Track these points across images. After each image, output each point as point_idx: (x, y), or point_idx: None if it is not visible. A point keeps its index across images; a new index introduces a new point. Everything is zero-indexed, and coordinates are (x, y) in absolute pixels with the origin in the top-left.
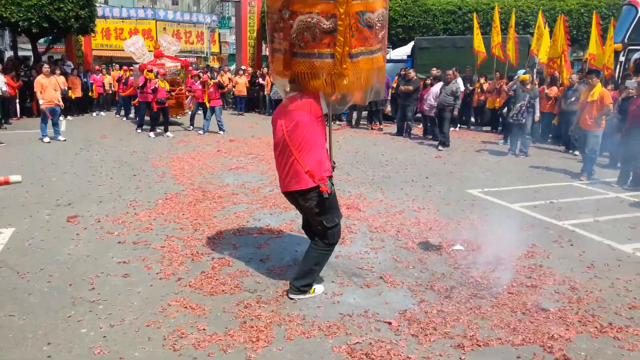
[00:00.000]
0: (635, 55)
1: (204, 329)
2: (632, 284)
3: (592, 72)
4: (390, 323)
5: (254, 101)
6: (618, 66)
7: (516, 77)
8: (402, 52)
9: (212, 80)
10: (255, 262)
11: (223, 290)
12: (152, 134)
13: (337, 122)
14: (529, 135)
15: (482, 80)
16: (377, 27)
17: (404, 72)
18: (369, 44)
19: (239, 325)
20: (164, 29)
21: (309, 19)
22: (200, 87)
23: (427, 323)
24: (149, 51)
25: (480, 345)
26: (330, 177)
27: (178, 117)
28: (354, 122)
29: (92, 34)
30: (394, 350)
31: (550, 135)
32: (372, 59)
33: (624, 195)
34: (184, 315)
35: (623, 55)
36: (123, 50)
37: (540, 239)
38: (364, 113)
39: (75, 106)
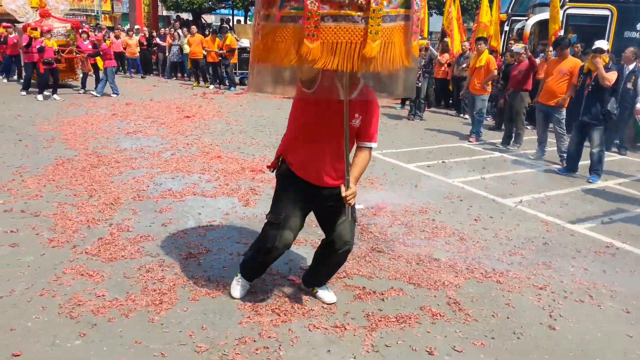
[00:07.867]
0: (518, 25)
1: (103, 295)
2: (512, 234)
3: (480, 39)
4: (294, 280)
5: (150, 63)
6: (503, 35)
7: None
8: None
9: (107, 41)
10: (157, 227)
11: (123, 256)
12: (40, 97)
13: (240, 87)
14: (424, 99)
15: None
16: None
17: None
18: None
19: (141, 289)
20: None
21: None
22: (90, 46)
23: None
24: (33, 8)
25: (377, 295)
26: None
27: (71, 81)
28: None
29: None
30: (298, 304)
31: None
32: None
33: (507, 155)
34: (81, 283)
35: (507, 25)
36: (1, 6)
37: (433, 195)
38: None
39: None
